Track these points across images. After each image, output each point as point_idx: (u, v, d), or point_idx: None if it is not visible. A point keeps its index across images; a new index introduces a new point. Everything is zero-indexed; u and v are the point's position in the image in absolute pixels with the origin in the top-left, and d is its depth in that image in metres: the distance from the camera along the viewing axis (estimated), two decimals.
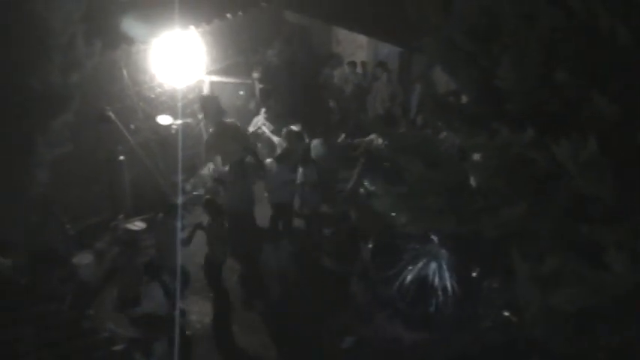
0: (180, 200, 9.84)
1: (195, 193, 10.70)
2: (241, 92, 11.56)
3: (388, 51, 12.74)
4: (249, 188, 9.47)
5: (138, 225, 9.34)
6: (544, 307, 5.13)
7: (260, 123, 11.10)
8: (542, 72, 4.79)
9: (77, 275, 8.16)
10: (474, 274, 7.21)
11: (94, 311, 7.91)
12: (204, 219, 8.60)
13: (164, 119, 10.06)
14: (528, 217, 5.34)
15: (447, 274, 7.37)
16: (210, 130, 10.18)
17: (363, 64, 12.87)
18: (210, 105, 10.14)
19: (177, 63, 10.22)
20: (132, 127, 9.83)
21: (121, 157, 9.64)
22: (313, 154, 10.19)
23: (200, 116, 10.94)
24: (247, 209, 9.45)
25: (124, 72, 9.59)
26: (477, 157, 5.17)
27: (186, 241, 8.16)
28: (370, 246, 8.50)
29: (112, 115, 9.30)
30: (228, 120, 10.20)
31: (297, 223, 9.87)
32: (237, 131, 9.88)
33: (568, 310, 5.03)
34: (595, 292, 4.86)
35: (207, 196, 9.39)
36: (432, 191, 5.21)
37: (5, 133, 7.04)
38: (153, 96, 10.25)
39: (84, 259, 8.44)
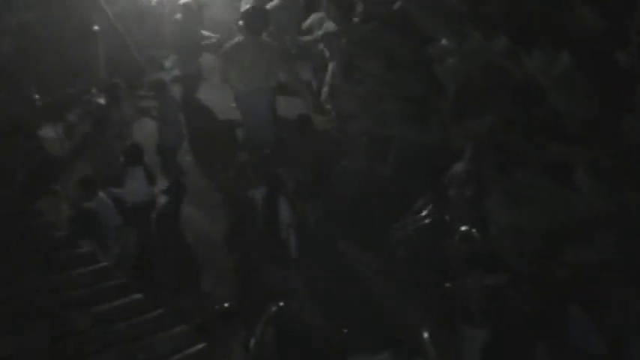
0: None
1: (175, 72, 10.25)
2: None
3: None
4: None
5: None
6: (512, 224, 5.02)
7: None
8: None
9: (43, 149, 7.97)
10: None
11: (60, 187, 7.77)
12: None
13: None
14: (499, 129, 5.12)
15: None
16: None
17: None
18: None
19: None
20: None
21: (96, 27, 9.15)
22: None
23: None
24: None
25: None
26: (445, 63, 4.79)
27: None
28: None
29: None
30: None
31: None
32: None
33: (535, 228, 4.94)
34: (562, 212, 4.75)
35: None
36: (392, 95, 4.89)
37: None
38: None
39: (52, 132, 8.18)
